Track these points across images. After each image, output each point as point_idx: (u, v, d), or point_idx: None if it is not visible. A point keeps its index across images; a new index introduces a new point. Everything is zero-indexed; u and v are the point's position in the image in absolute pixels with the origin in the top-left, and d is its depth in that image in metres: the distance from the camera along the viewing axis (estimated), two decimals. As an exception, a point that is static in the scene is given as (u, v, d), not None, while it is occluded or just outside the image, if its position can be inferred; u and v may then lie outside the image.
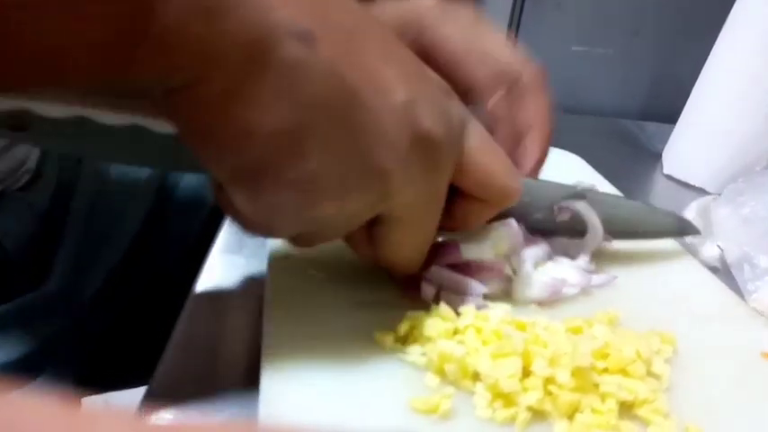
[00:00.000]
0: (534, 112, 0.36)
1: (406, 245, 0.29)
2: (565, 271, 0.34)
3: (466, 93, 0.35)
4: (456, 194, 0.29)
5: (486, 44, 0.36)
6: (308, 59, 0.22)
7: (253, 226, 0.27)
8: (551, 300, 0.33)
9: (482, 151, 0.29)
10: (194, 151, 0.24)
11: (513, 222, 0.33)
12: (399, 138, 0.25)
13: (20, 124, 0.25)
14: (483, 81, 0.36)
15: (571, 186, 0.38)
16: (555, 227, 0.37)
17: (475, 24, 0.37)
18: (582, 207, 0.37)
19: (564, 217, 0.37)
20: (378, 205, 0.26)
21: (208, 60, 0.21)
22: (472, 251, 0.32)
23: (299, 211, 0.25)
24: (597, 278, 0.35)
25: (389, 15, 0.36)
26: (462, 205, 0.30)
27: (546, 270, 0.34)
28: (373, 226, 0.28)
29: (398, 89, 0.25)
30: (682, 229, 0.41)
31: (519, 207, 0.32)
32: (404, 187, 0.26)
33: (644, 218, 0.39)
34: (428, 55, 0.34)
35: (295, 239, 0.28)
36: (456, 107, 0.28)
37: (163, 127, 0.26)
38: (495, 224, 0.33)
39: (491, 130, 0.32)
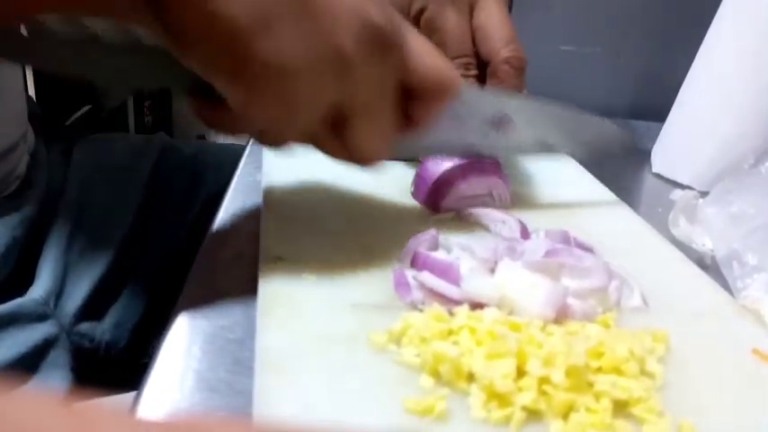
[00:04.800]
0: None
1: (368, 133, 0.33)
2: (572, 294, 0.32)
3: None
4: (407, 100, 0.34)
5: None
6: None
7: (230, 120, 0.31)
8: (558, 318, 0.31)
9: (421, 50, 0.34)
10: (177, 52, 0.29)
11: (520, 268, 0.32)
12: (351, 23, 0.30)
13: (29, 36, 0.29)
14: None
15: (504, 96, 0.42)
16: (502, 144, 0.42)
17: None
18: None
19: (506, 129, 0.41)
20: (339, 87, 0.31)
21: None
22: (474, 285, 0.31)
23: (274, 89, 0.29)
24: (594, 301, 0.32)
25: None
26: (414, 105, 0.35)
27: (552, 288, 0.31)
28: (340, 127, 0.33)
29: None
30: (624, 140, 0.45)
31: (465, 114, 0.39)
32: (360, 68, 0.30)
33: (581, 128, 0.44)
34: None
35: (268, 133, 0.32)
36: (396, 14, 0.33)
37: (150, 35, 0.29)
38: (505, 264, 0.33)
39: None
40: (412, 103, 0.35)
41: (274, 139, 0.33)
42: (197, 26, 0.27)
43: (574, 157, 0.46)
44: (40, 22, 0.29)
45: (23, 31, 0.29)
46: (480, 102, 0.41)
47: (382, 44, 0.31)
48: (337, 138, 0.33)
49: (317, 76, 0.30)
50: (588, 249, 0.36)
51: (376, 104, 0.33)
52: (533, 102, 0.43)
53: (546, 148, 0.44)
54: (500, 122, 0.41)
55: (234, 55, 0.28)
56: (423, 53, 0.34)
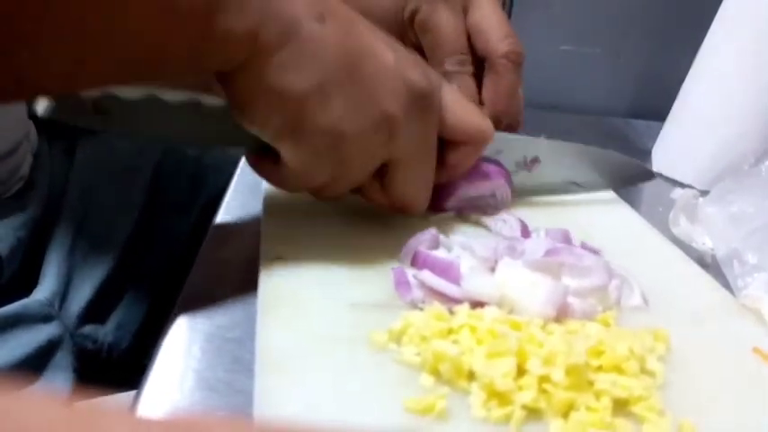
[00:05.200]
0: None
1: (410, 184, 0.36)
2: (573, 293, 0.32)
3: None
4: (445, 149, 0.37)
5: None
6: (323, 32, 0.30)
7: (288, 179, 0.34)
8: (559, 317, 0.30)
9: (456, 103, 0.37)
10: (244, 120, 0.31)
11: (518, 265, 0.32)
12: (396, 89, 0.32)
13: (103, 107, 0.31)
14: None
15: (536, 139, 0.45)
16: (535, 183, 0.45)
17: None
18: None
19: (536, 169, 0.44)
20: (387, 146, 0.33)
21: (254, 43, 0.29)
22: (474, 283, 0.31)
23: (330, 152, 0.32)
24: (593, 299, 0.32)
25: None
26: (451, 153, 0.38)
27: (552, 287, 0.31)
28: (383, 176, 0.35)
29: (389, 55, 0.33)
30: (645, 173, 0.48)
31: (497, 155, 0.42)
32: (404, 128, 0.33)
33: (604, 165, 0.46)
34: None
35: (322, 189, 0.35)
36: (431, 70, 0.36)
37: (216, 102, 0.33)
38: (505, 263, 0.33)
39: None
40: (448, 152, 0.37)
41: (327, 194, 0.35)
42: (260, 98, 0.30)
43: (598, 190, 0.48)
44: (109, 92, 0.31)
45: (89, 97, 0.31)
46: (510, 145, 0.43)
47: (424, 104, 0.34)
48: (382, 188, 0.36)
49: (367, 138, 0.32)
50: (595, 252, 0.36)
51: (418, 157, 0.35)
52: (558, 143, 0.45)
53: (573, 184, 0.46)
54: (530, 163, 0.44)
55: (293, 123, 0.31)
56: (457, 106, 0.37)
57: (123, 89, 0.31)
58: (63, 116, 0.32)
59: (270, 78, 0.29)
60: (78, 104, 0.31)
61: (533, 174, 0.45)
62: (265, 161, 0.34)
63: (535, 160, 0.44)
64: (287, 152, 0.32)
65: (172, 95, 0.32)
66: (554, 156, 0.45)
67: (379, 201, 0.37)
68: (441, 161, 0.37)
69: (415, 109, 0.33)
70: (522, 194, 0.45)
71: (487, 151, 0.40)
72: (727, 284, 0.40)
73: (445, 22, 0.45)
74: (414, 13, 0.46)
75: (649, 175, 0.48)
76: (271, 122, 0.31)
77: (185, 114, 0.33)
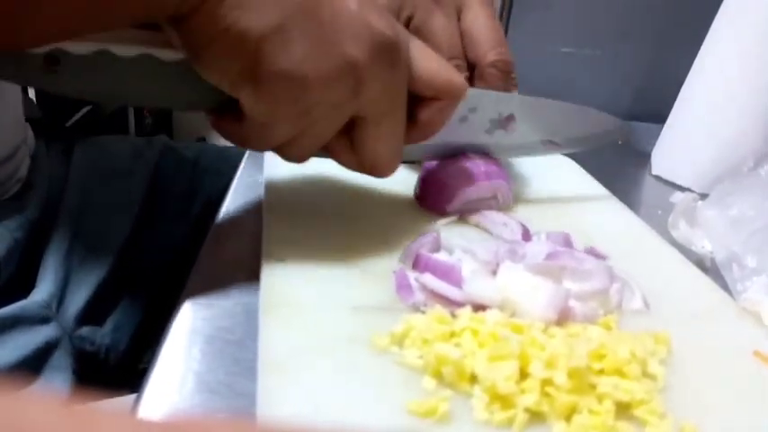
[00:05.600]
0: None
1: (380, 141, 0.34)
2: (574, 297, 0.32)
3: None
4: (415, 106, 0.36)
5: None
6: None
7: (251, 135, 0.33)
8: (560, 320, 0.30)
9: (424, 57, 0.35)
10: (201, 67, 0.30)
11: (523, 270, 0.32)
12: (359, 34, 0.31)
13: (53, 63, 0.30)
14: None
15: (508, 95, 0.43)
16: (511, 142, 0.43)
17: None
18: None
19: (511, 128, 0.42)
20: (353, 98, 0.32)
21: None
22: (476, 286, 0.31)
23: (293, 99, 0.31)
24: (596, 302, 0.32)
25: None
26: (422, 110, 0.36)
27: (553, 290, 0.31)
28: (351, 133, 0.34)
29: (352, 1, 0.31)
30: (621, 130, 0.46)
31: (470, 115, 0.41)
32: (370, 78, 0.32)
33: (581, 121, 0.45)
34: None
35: (287, 145, 0.33)
36: (398, 24, 0.34)
37: (171, 56, 0.31)
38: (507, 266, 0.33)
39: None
40: (420, 108, 0.36)
41: (293, 152, 0.34)
42: (217, 41, 0.29)
43: (576, 149, 0.47)
44: (59, 47, 0.29)
45: (40, 56, 0.30)
46: (484, 102, 0.42)
47: (389, 51, 0.32)
48: (351, 147, 0.35)
49: (331, 85, 0.31)
50: (601, 257, 0.36)
51: (387, 112, 0.34)
52: (535, 99, 0.43)
53: (550, 144, 0.45)
54: (505, 121, 0.42)
55: (252, 67, 0.29)
56: (426, 58, 0.35)
57: (74, 44, 0.30)
58: (11, 74, 0.30)
59: (227, 19, 0.28)
60: (27, 61, 0.29)
61: (509, 132, 0.43)
62: (227, 119, 0.33)
63: (510, 118, 0.43)
64: (247, 100, 0.31)
65: (124, 50, 0.30)
66: (529, 113, 0.43)
67: (348, 160, 0.36)
68: (412, 119, 0.36)
69: (381, 59, 0.32)
70: (499, 154, 0.44)
71: (460, 109, 0.39)
72: (726, 288, 0.40)
73: (440, 29, 0.45)
74: (409, 20, 0.45)
75: (626, 134, 0.47)
76: (229, 67, 0.30)
77: (139, 70, 0.31)
